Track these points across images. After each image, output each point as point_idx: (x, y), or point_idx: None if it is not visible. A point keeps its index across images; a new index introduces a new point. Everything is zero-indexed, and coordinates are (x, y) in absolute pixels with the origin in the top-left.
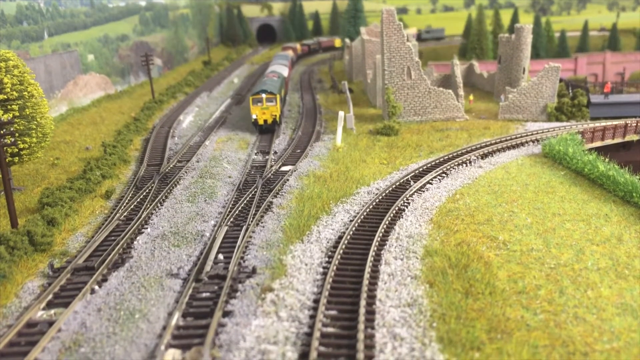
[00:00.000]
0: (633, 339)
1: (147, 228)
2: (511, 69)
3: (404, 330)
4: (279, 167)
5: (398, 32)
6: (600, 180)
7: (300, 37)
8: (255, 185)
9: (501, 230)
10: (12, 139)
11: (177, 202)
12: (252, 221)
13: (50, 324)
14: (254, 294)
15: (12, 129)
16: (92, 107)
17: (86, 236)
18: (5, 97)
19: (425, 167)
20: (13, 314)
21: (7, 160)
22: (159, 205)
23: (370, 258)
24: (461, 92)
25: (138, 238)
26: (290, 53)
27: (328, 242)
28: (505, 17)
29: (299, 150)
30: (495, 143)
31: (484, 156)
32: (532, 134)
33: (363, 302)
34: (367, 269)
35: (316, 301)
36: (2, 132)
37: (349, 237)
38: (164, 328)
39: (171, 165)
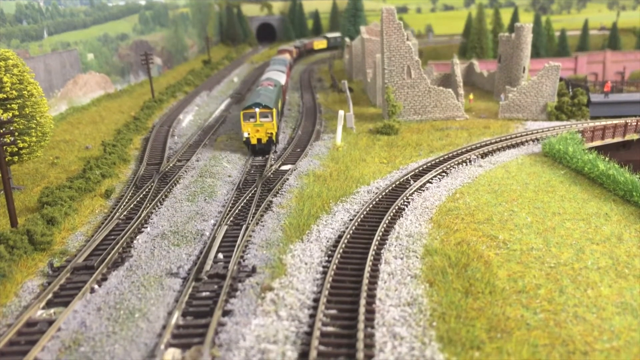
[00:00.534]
0: (633, 338)
1: (146, 227)
2: (511, 68)
3: (404, 330)
4: (279, 166)
5: (398, 31)
6: (600, 179)
7: (300, 37)
8: (255, 184)
9: (501, 229)
10: (12, 138)
11: (177, 201)
12: (251, 220)
13: (50, 323)
14: (253, 293)
15: (11, 128)
16: (92, 106)
17: (86, 235)
18: (4, 96)
19: (425, 166)
20: (13, 313)
21: (6, 159)
22: (158, 204)
23: (370, 257)
24: (461, 91)
25: (138, 237)
26: (287, 57)
27: (328, 241)
28: (506, 16)
29: (298, 149)
30: (495, 142)
31: (484, 155)
32: (532, 133)
33: (363, 301)
34: (367, 268)
35: (316, 300)
36: (1, 131)
37: (348, 236)
38: (164, 327)
39: (171, 165)
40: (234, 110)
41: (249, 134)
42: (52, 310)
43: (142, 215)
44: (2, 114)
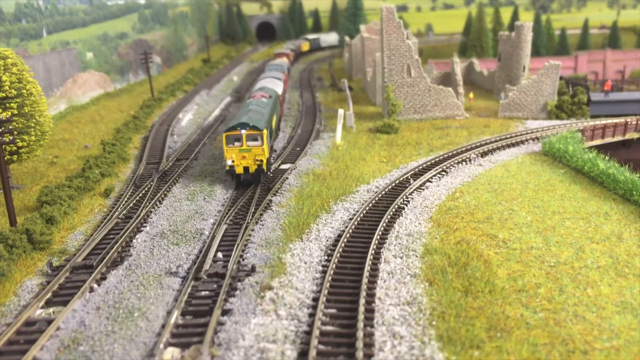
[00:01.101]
0: (633, 337)
1: (146, 226)
2: (511, 66)
3: (404, 329)
4: (279, 165)
5: (398, 30)
6: (600, 178)
7: (299, 36)
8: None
9: (501, 228)
10: (11, 137)
11: (176, 201)
12: (251, 219)
13: (49, 322)
14: (253, 292)
15: (10, 127)
16: (91, 105)
17: (85, 234)
18: (3, 95)
19: (425, 165)
20: (12, 312)
21: (5, 158)
22: (158, 203)
23: (369, 256)
24: (461, 90)
25: (137, 236)
26: (284, 61)
27: (327, 241)
28: (506, 14)
29: (298, 149)
30: (495, 141)
31: (483, 154)
32: (532, 132)
33: (362, 301)
34: (367, 267)
35: (315, 299)
36: (0, 130)
37: (348, 235)
38: (163, 326)
39: (170, 164)
40: (234, 109)
41: (233, 161)
42: (51, 310)
43: (142, 214)
44: (1, 112)
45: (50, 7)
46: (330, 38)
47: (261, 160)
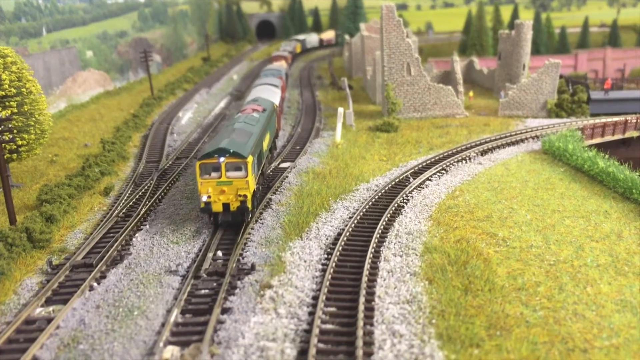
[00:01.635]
0: (632, 336)
1: (145, 225)
2: (511, 65)
3: (403, 327)
4: (278, 164)
5: (398, 29)
6: (600, 176)
7: (300, 33)
8: None
9: (501, 226)
10: (11, 136)
11: (176, 199)
12: (251, 218)
13: (49, 320)
14: (252, 290)
15: (10, 126)
16: (91, 103)
17: (85, 233)
18: (3, 93)
19: (424, 163)
20: (12, 311)
21: (5, 157)
22: (157, 202)
23: (369, 255)
24: (461, 88)
25: (137, 235)
26: (282, 65)
27: (327, 239)
28: (506, 13)
29: (298, 147)
30: (495, 140)
31: (483, 153)
32: (531, 131)
33: (362, 299)
34: (366, 266)
35: (315, 298)
36: (0, 128)
37: (348, 233)
38: (163, 325)
39: (170, 162)
40: (234, 108)
41: (209, 196)
42: (51, 308)
43: (141, 212)
44: (0, 111)
45: (50, 5)
46: (312, 39)
47: (245, 196)
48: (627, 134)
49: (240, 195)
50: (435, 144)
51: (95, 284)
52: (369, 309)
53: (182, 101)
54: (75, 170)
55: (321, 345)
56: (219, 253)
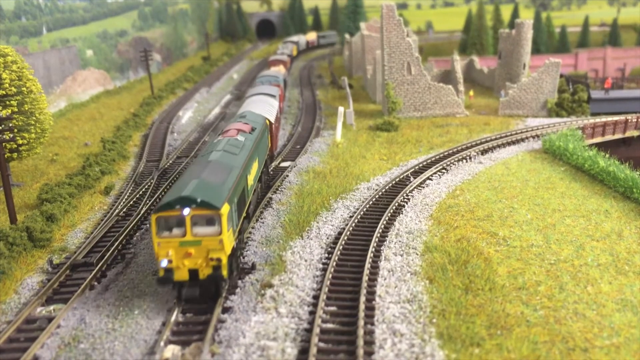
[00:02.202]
0: (633, 335)
1: (146, 224)
2: (511, 64)
3: (404, 326)
4: (279, 163)
5: (398, 28)
6: (601, 176)
7: (299, 33)
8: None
9: (501, 226)
10: (11, 135)
11: None
12: (251, 217)
13: (50, 320)
14: (253, 290)
15: (10, 125)
16: (91, 102)
17: (85, 232)
18: (3, 92)
19: (425, 163)
20: (12, 310)
21: (6, 156)
22: (158, 201)
23: (369, 254)
24: (461, 87)
25: (137, 234)
26: (280, 71)
27: (328, 238)
28: (506, 12)
29: (298, 146)
30: (496, 139)
31: (484, 152)
32: (532, 130)
33: (363, 298)
34: (367, 265)
35: (316, 297)
36: (0, 127)
37: (348, 233)
38: (164, 324)
39: (170, 161)
40: (234, 107)
41: (170, 261)
42: (51, 307)
43: (142, 212)
44: (1, 110)
45: (50, 4)
46: (302, 40)
47: (219, 260)
48: (628, 133)
49: (212, 259)
50: (435, 143)
51: (95, 283)
52: (370, 308)
53: (183, 100)
54: (76, 170)
55: (322, 345)
56: None
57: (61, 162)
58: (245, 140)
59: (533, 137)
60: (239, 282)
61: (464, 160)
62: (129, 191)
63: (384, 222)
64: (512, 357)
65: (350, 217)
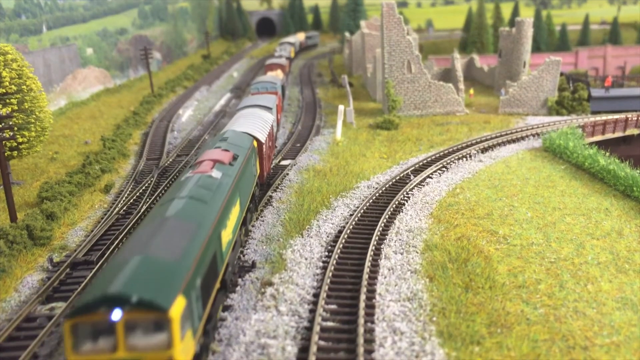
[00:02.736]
0: (633, 333)
1: None
2: (512, 62)
3: (404, 325)
4: (279, 161)
5: (398, 26)
6: (601, 174)
7: (297, 32)
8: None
9: (501, 224)
10: (11, 133)
11: None
12: (251, 216)
13: (50, 318)
14: (253, 288)
15: (10, 123)
16: (91, 101)
17: (85, 230)
18: (3, 90)
19: (425, 161)
20: (12, 308)
21: (6, 154)
22: (158, 199)
23: (370, 252)
24: (461, 86)
25: None
26: (278, 76)
27: (328, 237)
28: (506, 10)
29: (298, 144)
30: (496, 137)
31: (484, 150)
32: (532, 128)
33: (363, 297)
34: (367, 263)
35: (316, 295)
36: (0, 126)
37: (349, 231)
38: None
39: (170, 159)
40: (234, 105)
41: None
42: (51, 305)
43: (142, 210)
44: (1, 108)
45: (50, 2)
46: (297, 41)
47: None
48: (628, 132)
49: None
50: (435, 142)
51: None
52: (370, 307)
53: (183, 99)
54: (76, 168)
55: (322, 343)
56: None
57: (61, 160)
58: (221, 178)
59: (533, 135)
60: (239, 280)
61: (464, 159)
62: (129, 189)
63: (384, 220)
64: (512, 355)
65: (351, 215)
